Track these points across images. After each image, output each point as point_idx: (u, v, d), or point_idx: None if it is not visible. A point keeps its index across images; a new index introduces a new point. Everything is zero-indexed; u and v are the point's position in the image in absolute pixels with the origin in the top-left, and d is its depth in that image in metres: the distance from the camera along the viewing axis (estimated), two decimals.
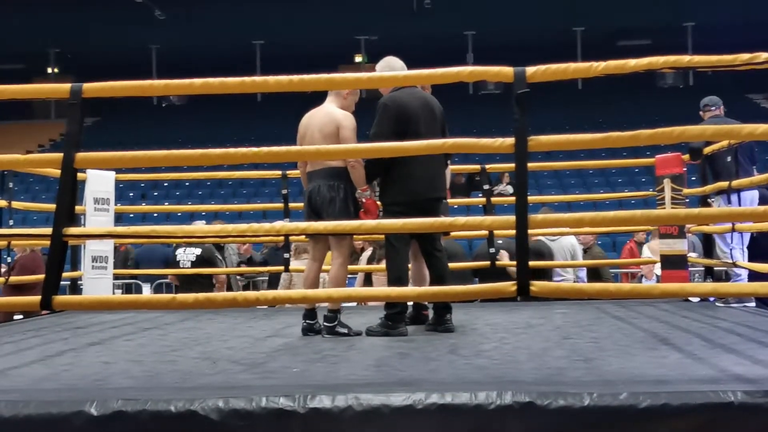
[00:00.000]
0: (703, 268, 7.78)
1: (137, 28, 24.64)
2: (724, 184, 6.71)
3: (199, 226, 5.05)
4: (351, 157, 5.32)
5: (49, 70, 27.50)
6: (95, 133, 23.47)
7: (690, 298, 6.95)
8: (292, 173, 7.69)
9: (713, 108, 7.52)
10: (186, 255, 8.77)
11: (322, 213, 5.36)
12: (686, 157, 7.25)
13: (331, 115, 5.47)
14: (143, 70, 24.70)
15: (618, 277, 10.71)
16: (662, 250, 7.24)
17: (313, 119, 5.53)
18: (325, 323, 5.34)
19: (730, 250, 6.76)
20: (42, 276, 4.03)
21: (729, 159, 6.85)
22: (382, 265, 6.46)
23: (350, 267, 6.16)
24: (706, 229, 7.31)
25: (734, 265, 6.74)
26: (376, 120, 5.39)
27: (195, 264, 8.68)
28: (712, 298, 6.88)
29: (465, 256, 8.37)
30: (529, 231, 3.90)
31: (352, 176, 5.39)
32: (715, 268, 7.50)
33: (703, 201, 7.43)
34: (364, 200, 5.41)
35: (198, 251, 8.74)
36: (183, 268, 8.72)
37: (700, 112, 7.60)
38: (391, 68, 5.46)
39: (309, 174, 5.53)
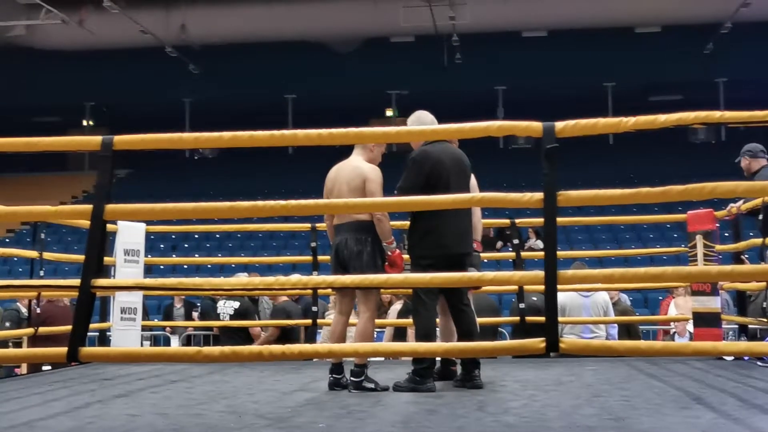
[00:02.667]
0: (736, 326, 7.65)
1: (171, 82, 25.04)
2: (758, 240, 6.61)
3: (227, 279, 5.05)
4: (379, 210, 5.32)
5: (84, 123, 27.92)
6: (128, 185, 23.74)
7: (724, 357, 6.82)
8: (321, 226, 7.71)
9: (762, 156, 7.31)
10: (225, 308, 8.80)
11: (349, 266, 5.35)
12: (719, 213, 7.15)
13: (359, 168, 5.49)
14: (177, 123, 25.05)
15: (651, 333, 10.57)
16: (695, 307, 7.13)
17: (341, 172, 5.55)
18: (351, 378, 5.30)
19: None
20: (66, 327, 4.04)
21: (760, 216, 6.74)
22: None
23: (378, 321, 6.12)
24: (740, 286, 7.20)
25: None
26: (405, 173, 5.39)
27: (233, 317, 8.69)
28: (746, 357, 6.75)
29: (497, 310, 8.28)
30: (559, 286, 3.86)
31: (377, 229, 5.38)
32: (749, 326, 7.37)
33: (737, 258, 7.32)
34: (389, 253, 5.40)
35: (236, 304, 8.75)
36: (223, 320, 8.73)
37: (745, 160, 7.37)
38: (422, 122, 5.46)
39: (336, 227, 5.53)
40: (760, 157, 7.33)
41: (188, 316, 11.69)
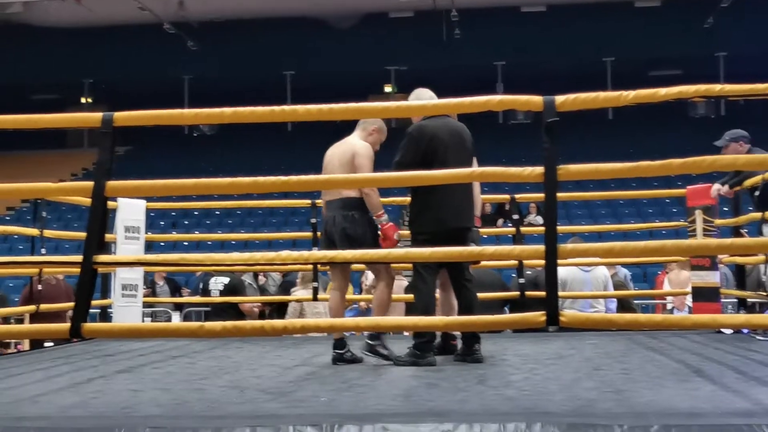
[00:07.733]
0: (735, 300, 7.68)
1: (170, 59, 24.94)
2: (757, 215, 6.62)
3: (228, 254, 5.06)
4: (374, 185, 5.34)
5: (83, 100, 27.82)
6: (128, 162, 23.69)
7: (723, 330, 6.85)
8: (321, 202, 7.70)
9: (746, 141, 7.27)
10: (215, 284, 8.81)
11: (336, 243, 5.37)
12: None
13: (350, 144, 5.55)
14: (175, 100, 24.92)
15: (650, 308, 10.61)
16: (694, 282, 7.15)
17: (336, 150, 5.60)
18: (367, 340, 5.35)
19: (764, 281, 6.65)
20: (59, 305, 4.05)
21: (757, 192, 6.75)
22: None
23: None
24: (739, 260, 7.22)
25: None
26: (402, 148, 5.40)
27: (223, 293, 8.70)
28: (745, 330, 6.78)
29: (502, 286, 8.26)
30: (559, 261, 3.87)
31: (366, 203, 5.40)
32: (748, 300, 7.39)
33: (736, 232, 7.33)
34: (379, 226, 5.42)
35: (226, 280, 8.76)
36: (213, 296, 8.76)
37: (730, 143, 7.30)
38: (420, 99, 5.45)
39: (326, 204, 5.59)
40: (747, 143, 7.30)
41: (172, 294, 11.74)
